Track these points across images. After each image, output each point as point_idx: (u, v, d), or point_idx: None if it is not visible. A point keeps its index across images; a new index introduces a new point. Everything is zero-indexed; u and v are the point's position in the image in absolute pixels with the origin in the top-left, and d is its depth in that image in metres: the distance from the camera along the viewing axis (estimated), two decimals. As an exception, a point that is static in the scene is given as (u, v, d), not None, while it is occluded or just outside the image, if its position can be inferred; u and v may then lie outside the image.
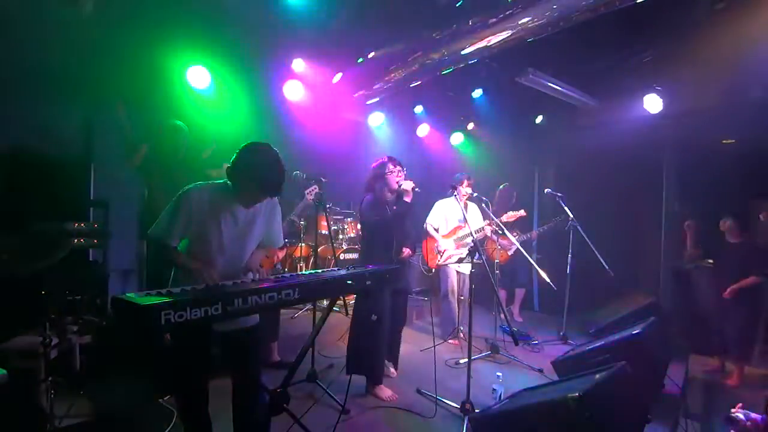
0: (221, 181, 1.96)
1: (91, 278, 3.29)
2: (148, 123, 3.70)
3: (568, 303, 4.49)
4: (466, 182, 4.09)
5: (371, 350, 3.16)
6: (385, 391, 3.14)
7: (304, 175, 3.42)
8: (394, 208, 3.17)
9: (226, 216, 1.92)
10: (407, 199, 3.11)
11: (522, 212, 4.39)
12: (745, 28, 3.36)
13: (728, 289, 3.58)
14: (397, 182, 3.16)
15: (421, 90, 4.90)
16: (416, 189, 3.11)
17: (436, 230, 4.39)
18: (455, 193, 3.33)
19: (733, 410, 1.86)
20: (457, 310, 4.44)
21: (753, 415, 1.80)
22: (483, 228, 4.24)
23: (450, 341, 4.36)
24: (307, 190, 3.54)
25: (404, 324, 3.49)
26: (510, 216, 4.32)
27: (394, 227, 3.16)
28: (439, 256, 4.39)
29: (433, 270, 4.52)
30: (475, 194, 3.91)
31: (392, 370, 3.49)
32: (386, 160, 3.25)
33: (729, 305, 3.64)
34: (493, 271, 4.20)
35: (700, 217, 4.25)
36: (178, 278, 1.97)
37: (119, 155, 3.64)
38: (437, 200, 4.48)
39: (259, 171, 1.85)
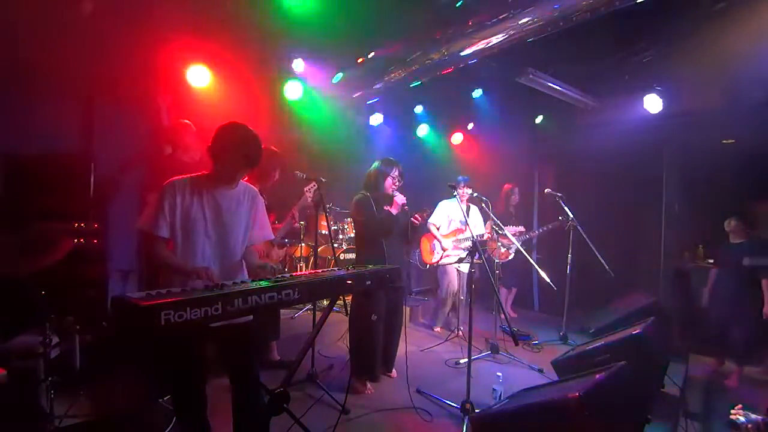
0: (195, 174, 2.05)
1: (91, 278, 3.28)
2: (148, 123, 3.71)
3: (568, 303, 4.50)
4: (463, 184, 4.17)
5: (369, 348, 3.22)
6: (365, 386, 3.22)
7: (304, 175, 3.43)
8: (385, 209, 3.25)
9: (210, 200, 2.00)
10: (393, 210, 3.19)
11: (521, 228, 4.48)
12: (744, 28, 3.36)
13: (766, 309, 3.44)
14: (392, 190, 3.24)
15: (421, 90, 4.90)
16: (405, 207, 3.20)
17: (437, 228, 4.47)
18: (455, 194, 3.38)
19: (733, 412, 1.85)
20: (455, 309, 4.54)
21: (753, 416, 1.79)
22: (484, 234, 4.33)
23: (450, 341, 4.37)
24: (306, 188, 3.55)
25: (401, 325, 3.49)
26: (510, 230, 4.36)
27: (380, 229, 3.22)
28: (435, 254, 4.47)
29: (428, 266, 4.61)
30: (475, 194, 3.92)
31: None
32: (395, 165, 3.31)
33: (741, 308, 3.60)
34: (494, 271, 4.22)
35: (700, 216, 4.25)
36: (166, 278, 1.97)
37: (119, 155, 3.65)
38: (437, 200, 4.56)
39: (242, 143, 1.99)
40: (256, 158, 2.02)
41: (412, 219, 3.28)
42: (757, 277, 3.55)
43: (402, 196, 3.22)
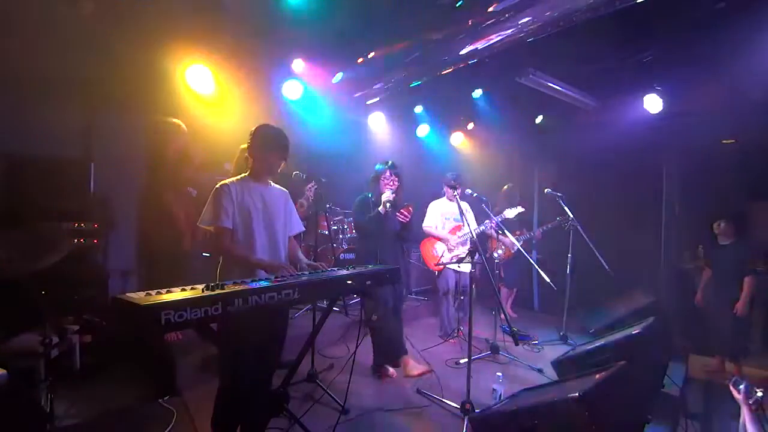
0: (239, 176, 2.28)
1: (91, 278, 3.28)
2: (148, 123, 3.72)
3: (568, 303, 4.49)
4: (453, 181, 4.12)
5: (388, 335, 3.39)
6: (389, 370, 3.42)
7: (304, 176, 3.43)
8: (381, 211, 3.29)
9: (256, 195, 2.24)
10: (380, 209, 3.22)
11: (521, 208, 4.44)
12: (745, 28, 3.36)
13: (739, 305, 3.60)
14: (385, 190, 3.29)
15: (421, 90, 4.89)
16: (387, 204, 3.22)
17: (435, 229, 4.43)
18: (443, 192, 3.41)
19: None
20: (454, 309, 4.48)
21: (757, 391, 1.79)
22: (481, 227, 4.29)
23: (450, 341, 4.37)
24: (307, 187, 3.58)
25: (400, 323, 3.52)
26: (511, 212, 4.36)
27: (375, 229, 3.27)
28: (439, 257, 4.41)
29: (437, 273, 4.52)
30: (475, 194, 3.91)
31: (391, 370, 3.50)
32: (388, 167, 3.36)
33: (726, 306, 3.66)
34: (494, 271, 4.20)
35: (700, 216, 4.26)
36: (229, 271, 2.15)
37: (119, 154, 3.66)
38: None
39: (276, 139, 2.28)
40: (287, 148, 2.31)
41: (397, 215, 3.30)
42: (742, 276, 3.63)
43: (388, 193, 3.26)
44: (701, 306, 4.01)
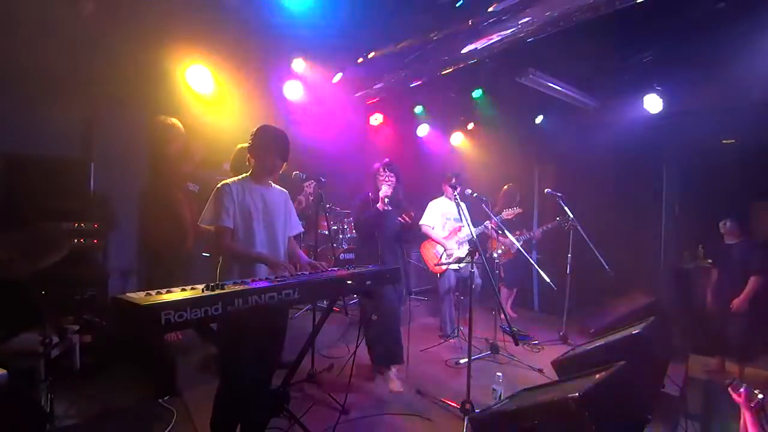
0: (240, 176, 2.28)
1: (91, 278, 3.29)
2: (148, 122, 3.72)
3: (568, 303, 4.49)
4: (454, 180, 4.12)
5: (388, 336, 3.33)
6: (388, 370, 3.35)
7: (304, 175, 3.43)
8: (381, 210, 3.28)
9: (257, 195, 2.25)
10: (378, 206, 3.21)
11: (518, 209, 4.45)
12: (745, 28, 3.36)
13: (737, 300, 3.61)
14: (382, 186, 3.28)
15: (421, 90, 4.89)
16: (386, 199, 3.21)
17: (432, 228, 4.40)
18: (445, 191, 3.40)
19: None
20: (455, 309, 4.47)
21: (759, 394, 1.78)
22: (481, 227, 4.29)
23: (450, 341, 4.37)
24: (306, 183, 3.57)
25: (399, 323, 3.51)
26: (508, 213, 4.36)
27: (375, 227, 3.27)
28: (440, 258, 4.39)
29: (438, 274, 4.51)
30: (475, 194, 3.91)
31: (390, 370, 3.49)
32: (382, 164, 3.37)
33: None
34: (494, 271, 4.20)
35: (700, 216, 4.27)
36: (229, 270, 2.16)
37: (119, 154, 3.66)
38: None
39: (277, 140, 2.28)
40: (287, 150, 2.31)
41: (399, 219, 3.29)
42: (748, 275, 3.62)
43: (386, 188, 3.26)
44: (713, 308, 3.96)
